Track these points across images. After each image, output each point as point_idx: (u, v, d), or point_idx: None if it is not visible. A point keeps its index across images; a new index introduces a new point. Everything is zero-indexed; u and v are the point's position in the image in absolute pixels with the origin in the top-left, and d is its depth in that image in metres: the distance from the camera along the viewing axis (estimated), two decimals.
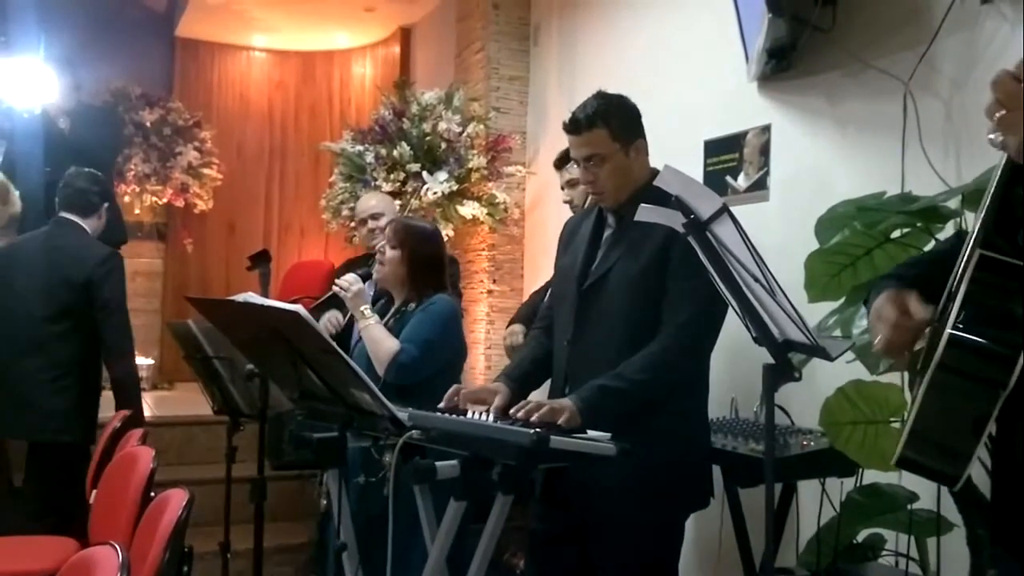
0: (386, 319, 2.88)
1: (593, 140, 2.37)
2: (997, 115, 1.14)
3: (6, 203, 3.93)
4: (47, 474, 3.52)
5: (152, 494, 2.07)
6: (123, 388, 3.63)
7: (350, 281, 2.86)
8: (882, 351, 1.42)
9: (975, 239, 1.23)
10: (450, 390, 2.37)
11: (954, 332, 1.16)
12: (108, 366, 3.65)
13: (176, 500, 1.75)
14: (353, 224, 4.85)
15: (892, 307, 1.38)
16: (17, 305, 3.54)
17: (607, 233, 2.47)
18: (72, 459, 3.47)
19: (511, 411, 2.16)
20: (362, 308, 2.83)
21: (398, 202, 4.88)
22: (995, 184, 1.23)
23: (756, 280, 1.56)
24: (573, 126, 2.39)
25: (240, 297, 2.29)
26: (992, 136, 1.16)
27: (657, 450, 2.18)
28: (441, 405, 2.33)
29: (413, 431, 1.99)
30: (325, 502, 2.70)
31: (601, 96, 2.44)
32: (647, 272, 2.31)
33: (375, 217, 3.69)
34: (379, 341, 2.75)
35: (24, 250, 3.67)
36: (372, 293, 3.09)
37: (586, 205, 3.35)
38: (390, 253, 2.86)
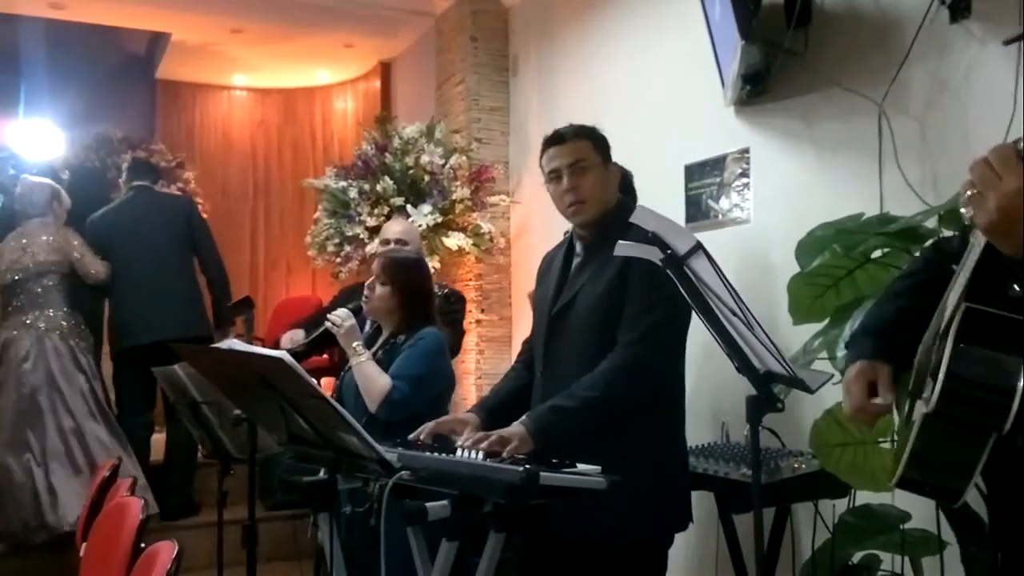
0: (375, 349, 2.87)
1: (578, 148, 2.42)
2: (968, 193, 1.19)
3: (61, 202, 4.68)
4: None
5: (143, 545, 2.05)
6: (220, 307, 4.74)
7: (342, 317, 2.84)
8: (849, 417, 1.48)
9: (962, 291, 1.27)
10: (423, 425, 2.38)
11: (948, 381, 1.19)
12: (209, 282, 4.80)
13: (166, 553, 1.73)
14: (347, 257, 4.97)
15: (860, 386, 1.46)
16: (152, 240, 4.61)
17: (576, 262, 2.50)
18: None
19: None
20: (354, 344, 2.80)
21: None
22: (982, 238, 1.26)
23: (734, 314, 1.57)
24: (559, 137, 2.45)
25: (224, 344, 2.28)
26: (963, 211, 1.21)
27: (632, 471, 2.15)
28: (411, 437, 2.33)
29: (402, 472, 1.98)
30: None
31: (578, 124, 2.50)
32: (607, 296, 2.33)
33: (399, 243, 3.68)
34: (372, 379, 2.73)
35: (130, 205, 4.80)
36: (368, 326, 3.08)
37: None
38: (380, 290, 2.85)
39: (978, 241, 1.27)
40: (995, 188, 1.16)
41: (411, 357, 2.77)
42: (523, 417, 2.24)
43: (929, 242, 2.39)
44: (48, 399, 4.24)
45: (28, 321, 4.34)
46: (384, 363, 2.79)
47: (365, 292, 2.91)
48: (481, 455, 2.06)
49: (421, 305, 2.90)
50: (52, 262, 4.39)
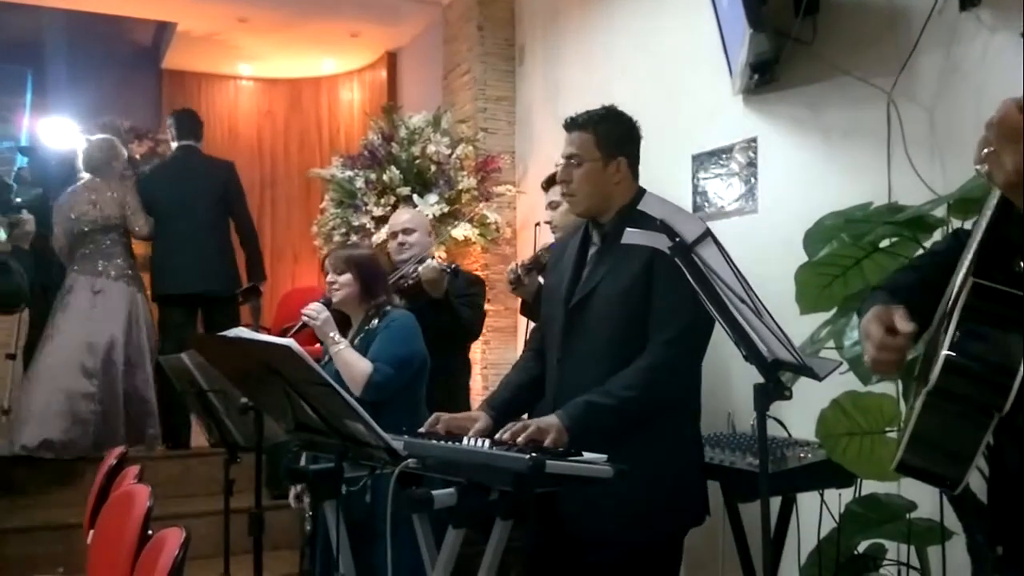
0: (350, 337, 2.97)
1: (577, 141, 2.44)
2: (985, 151, 1.17)
3: (119, 158, 5.21)
4: (219, 319, 5.02)
5: (150, 532, 2.06)
6: (253, 262, 5.34)
7: (317, 310, 2.94)
8: (870, 369, 1.43)
9: (968, 267, 1.25)
10: (431, 417, 2.38)
11: (950, 356, 1.17)
12: (242, 240, 5.31)
13: (173, 540, 1.74)
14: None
15: (878, 325, 1.38)
16: (192, 199, 5.08)
17: (592, 251, 2.49)
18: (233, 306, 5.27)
19: (497, 434, 2.16)
20: (331, 334, 2.91)
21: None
22: (989, 210, 1.24)
23: (743, 301, 1.56)
24: (569, 124, 2.48)
25: (232, 332, 2.28)
26: (978, 167, 1.18)
27: (650, 467, 2.17)
28: (422, 430, 2.34)
29: (409, 460, 1.98)
30: (310, 528, 2.75)
31: (606, 107, 2.51)
32: (632, 289, 2.32)
33: (407, 232, 3.69)
34: (352, 364, 2.83)
35: (176, 164, 5.31)
36: None
37: (556, 221, 3.40)
38: (340, 279, 2.98)
39: (985, 213, 1.25)
40: (1013, 144, 1.14)
41: (391, 339, 2.89)
42: (559, 410, 2.24)
43: (933, 236, 2.40)
44: (111, 335, 4.81)
45: (99, 268, 4.91)
46: (362, 349, 2.89)
47: (328, 288, 3.01)
48: (487, 443, 2.06)
49: (379, 283, 3.05)
50: (117, 216, 4.97)
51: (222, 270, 5.18)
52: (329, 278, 3.01)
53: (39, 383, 4.72)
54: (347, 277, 2.97)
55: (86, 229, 4.91)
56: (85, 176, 5.05)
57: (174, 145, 5.38)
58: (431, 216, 4.84)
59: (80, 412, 4.69)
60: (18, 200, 4.33)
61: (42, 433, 4.58)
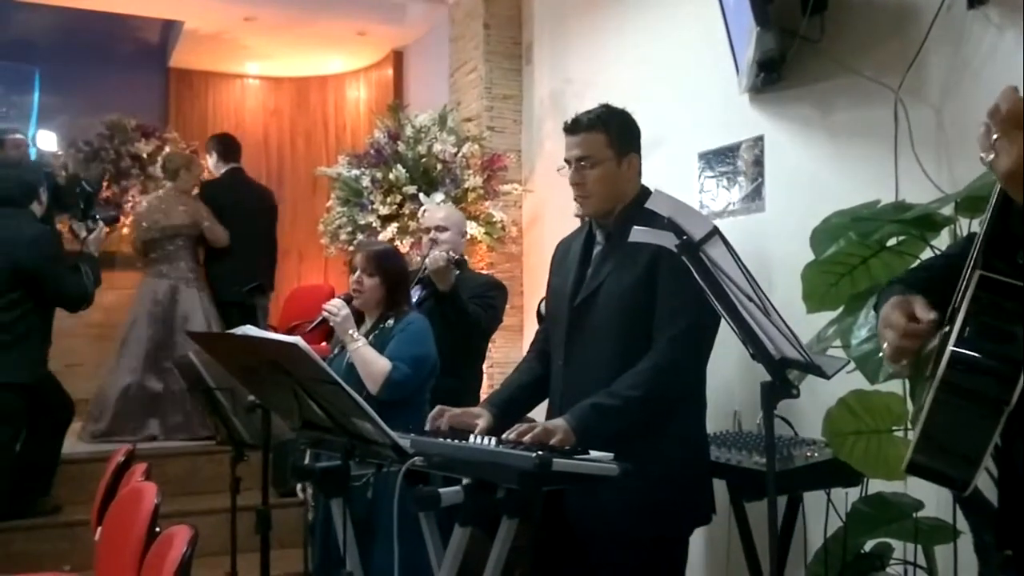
0: (365, 334, 2.98)
1: (588, 142, 2.41)
2: (994, 138, 1.16)
3: (190, 171, 5.69)
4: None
5: (157, 529, 2.07)
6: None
7: (338, 306, 2.95)
8: (890, 357, 1.42)
9: (975, 259, 1.24)
10: (433, 412, 2.39)
11: (956, 350, 1.17)
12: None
13: (181, 537, 1.75)
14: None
15: (899, 313, 1.38)
16: (251, 218, 5.70)
17: (596, 250, 2.48)
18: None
19: (504, 435, 2.16)
20: (350, 331, 2.92)
21: (395, 225, 4.91)
22: (993, 203, 1.24)
23: (750, 299, 1.56)
24: (573, 126, 2.44)
25: (239, 330, 2.29)
26: (983, 155, 1.18)
27: (656, 466, 2.18)
28: (427, 427, 2.34)
29: (416, 458, 1.99)
30: (312, 516, 2.78)
31: (606, 105, 2.49)
32: (637, 288, 2.31)
33: (439, 229, 3.71)
34: (371, 362, 2.85)
35: (232, 182, 5.85)
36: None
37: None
38: (368, 281, 3.00)
39: (990, 207, 1.25)
40: (1016, 131, 1.13)
41: (409, 340, 2.92)
42: (565, 413, 2.24)
43: (940, 235, 2.39)
44: (180, 333, 5.22)
45: (163, 271, 5.42)
46: (376, 347, 2.91)
47: (353, 286, 3.03)
48: (494, 441, 2.07)
49: (403, 290, 3.10)
50: (184, 226, 5.46)
51: (270, 277, 5.90)
52: (356, 276, 3.01)
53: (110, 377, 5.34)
54: (374, 281, 2.99)
55: (156, 236, 5.42)
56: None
57: (218, 168, 5.88)
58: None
59: (142, 403, 5.23)
60: (95, 214, 4.76)
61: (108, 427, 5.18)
